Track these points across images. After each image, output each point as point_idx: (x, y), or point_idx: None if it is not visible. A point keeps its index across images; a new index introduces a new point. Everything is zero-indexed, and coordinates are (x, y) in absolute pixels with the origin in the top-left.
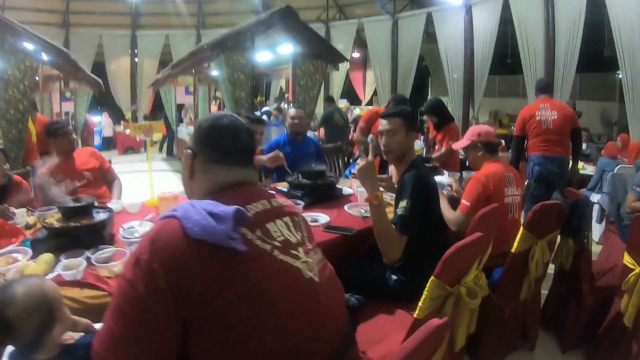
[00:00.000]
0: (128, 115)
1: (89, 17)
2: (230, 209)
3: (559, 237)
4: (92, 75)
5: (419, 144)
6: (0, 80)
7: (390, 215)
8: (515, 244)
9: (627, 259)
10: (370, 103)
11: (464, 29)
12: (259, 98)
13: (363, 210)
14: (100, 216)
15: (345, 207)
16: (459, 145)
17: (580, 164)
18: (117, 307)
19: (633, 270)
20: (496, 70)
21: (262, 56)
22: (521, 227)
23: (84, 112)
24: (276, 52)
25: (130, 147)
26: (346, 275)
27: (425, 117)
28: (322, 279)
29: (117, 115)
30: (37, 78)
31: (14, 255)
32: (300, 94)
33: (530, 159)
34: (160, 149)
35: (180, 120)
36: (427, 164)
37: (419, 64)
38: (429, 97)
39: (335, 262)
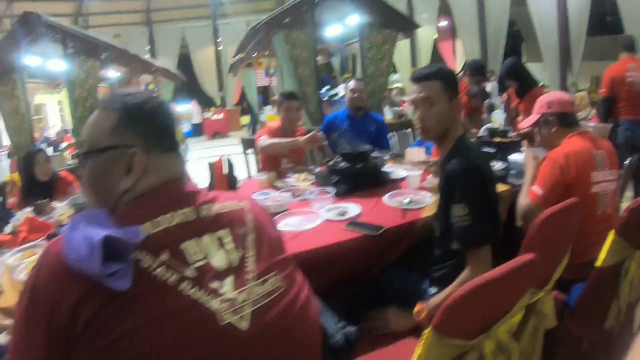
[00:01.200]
0: (218, 101)
1: (171, 13)
2: (98, 235)
3: None
4: (166, 67)
5: (500, 115)
6: (67, 81)
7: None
8: (603, 254)
9: None
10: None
11: None
12: (345, 75)
13: (405, 200)
14: None
15: (385, 197)
16: (527, 123)
17: None
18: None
19: None
20: (595, 31)
21: (332, 30)
22: (612, 232)
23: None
24: (346, 25)
25: (218, 132)
26: (374, 284)
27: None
28: (261, 323)
29: (206, 102)
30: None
31: (35, 249)
32: (369, 66)
33: (619, 124)
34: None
35: (264, 103)
36: (503, 139)
37: (510, 29)
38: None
39: (358, 267)
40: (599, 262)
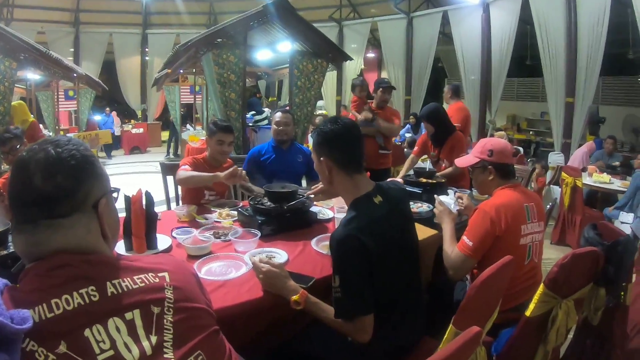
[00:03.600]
0: (139, 114)
1: (100, 16)
2: None
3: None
4: (89, 74)
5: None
6: None
7: None
8: (532, 305)
9: None
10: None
11: (482, 28)
12: (270, 98)
13: None
14: None
15: (312, 242)
16: (463, 163)
17: (607, 177)
18: None
19: None
20: (515, 73)
21: (262, 54)
22: (541, 285)
23: (86, 111)
24: (277, 50)
25: (137, 147)
26: (301, 337)
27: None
28: None
29: (127, 114)
30: None
31: None
32: (297, 95)
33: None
34: (168, 151)
35: (188, 121)
36: (430, 180)
37: (435, 65)
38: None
39: (286, 319)
40: (528, 312)
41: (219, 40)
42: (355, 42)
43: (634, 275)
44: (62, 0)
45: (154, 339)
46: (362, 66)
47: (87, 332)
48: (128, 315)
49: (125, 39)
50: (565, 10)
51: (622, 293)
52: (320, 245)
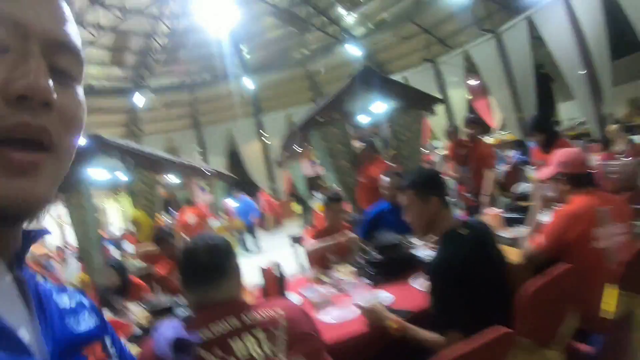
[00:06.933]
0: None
1: (216, 114)
2: (170, 338)
3: None
4: (217, 170)
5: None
6: (130, 193)
7: None
8: (612, 307)
9: None
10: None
11: (569, 19)
12: (391, 151)
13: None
14: None
15: (410, 280)
16: (543, 175)
17: None
18: None
19: None
20: (619, 53)
21: (364, 117)
22: (615, 286)
23: (220, 199)
24: (372, 111)
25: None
26: None
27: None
28: None
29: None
30: None
31: None
32: (404, 149)
33: None
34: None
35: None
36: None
37: (538, 72)
38: (556, 104)
39: (393, 348)
40: (610, 315)
41: (319, 119)
42: (454, 74)
43: None
44: (180, 109)
45: (273, 349)
46: (468, 96)
47: (231, 343)
48: (257, 333)
49: (242, 129)
50: None
51: None
52: (417, 282)
